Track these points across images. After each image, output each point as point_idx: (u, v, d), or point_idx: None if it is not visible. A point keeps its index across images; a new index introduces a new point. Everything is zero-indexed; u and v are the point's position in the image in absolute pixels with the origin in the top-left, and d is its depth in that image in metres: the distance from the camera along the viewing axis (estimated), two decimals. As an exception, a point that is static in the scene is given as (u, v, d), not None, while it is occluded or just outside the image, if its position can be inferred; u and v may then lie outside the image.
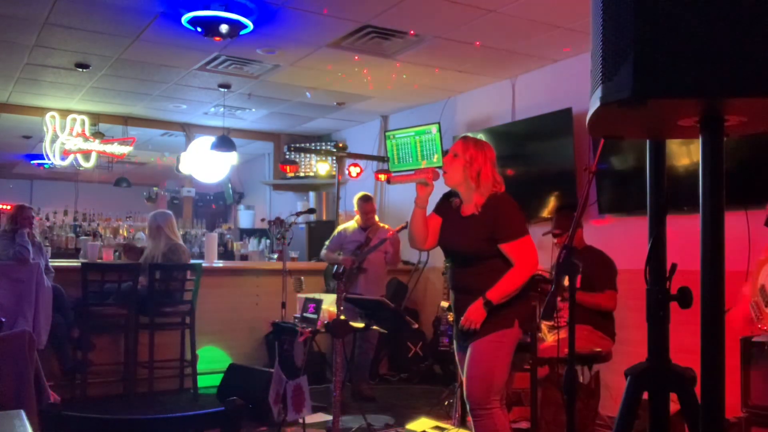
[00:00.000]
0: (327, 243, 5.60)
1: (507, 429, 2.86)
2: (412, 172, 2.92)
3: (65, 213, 9.13)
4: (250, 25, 4.36)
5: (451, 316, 3.23)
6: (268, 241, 7.56)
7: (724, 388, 1.20)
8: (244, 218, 10.16)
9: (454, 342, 3.06)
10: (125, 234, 7.67)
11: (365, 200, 5.47)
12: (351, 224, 5.57)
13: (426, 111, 6.77)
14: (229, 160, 7.51)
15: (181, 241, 5.55)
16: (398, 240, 5.33)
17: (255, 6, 4.22)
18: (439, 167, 2.98)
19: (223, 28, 4.17)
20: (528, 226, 2.99)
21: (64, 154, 7.09)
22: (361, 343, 5.25)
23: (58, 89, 6.43)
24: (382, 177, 6.86)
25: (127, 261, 5.71)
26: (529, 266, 2.79)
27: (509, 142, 5.61)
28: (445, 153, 6.20)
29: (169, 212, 5.66)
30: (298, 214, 6.29)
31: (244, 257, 7.16)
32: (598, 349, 3.92)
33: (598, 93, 1.11)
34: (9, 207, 5.24)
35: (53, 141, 7.03)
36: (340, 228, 5.65)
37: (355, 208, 5.54)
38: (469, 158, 2.84)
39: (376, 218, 5.55)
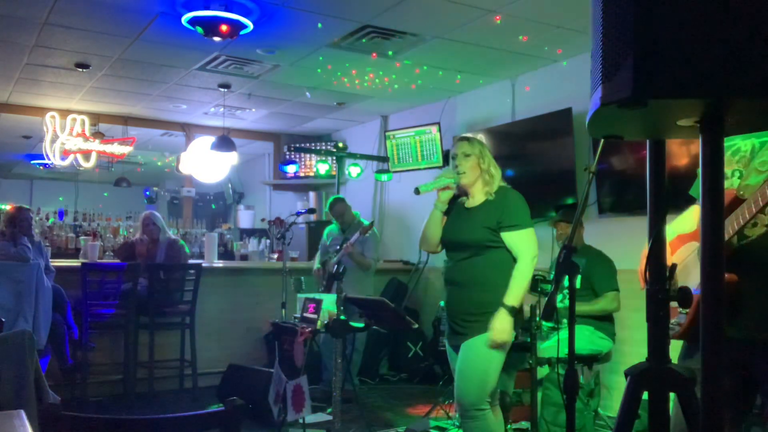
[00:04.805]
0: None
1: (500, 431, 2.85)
2: (437, 178, 3.02)
3: (65, 213, 9.12)
4: (250, 25, 4.36)
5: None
6: (268, 241, 7.55)
7: (724, 389, 1.19)
8: (244, 218, 10.14)
9: (446, 340, 3.05)
10: (125, 234, 7.66)
11: (330, 206, 5.53)
12: (334, 225, 5.62)
13: (426, 111, 6.77)
14: (229, 160, 7.51)
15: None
16: (350, 249, 5.09)
17: (255, 6, 4.22)
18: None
19: (223, 27, 4.17)
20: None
21: (64, 154, 7.09)
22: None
23: (58, 89, 6.43)
24: (384, 177, 6.86)
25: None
26: (531, 257, 2.81)
27: (509, 142, 5.60)
28: (446, 154, 6.19)
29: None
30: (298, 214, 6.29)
31: (244, 257, 7.15)
32: (598, 349, 3.92)
33: (598, 93, 1.11)
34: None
35: (53, 141, 7.03)
36: (327, 230, 5.70)
37: None
38: (479, 153, 2.94)
39: (357, 217, 5.54)
